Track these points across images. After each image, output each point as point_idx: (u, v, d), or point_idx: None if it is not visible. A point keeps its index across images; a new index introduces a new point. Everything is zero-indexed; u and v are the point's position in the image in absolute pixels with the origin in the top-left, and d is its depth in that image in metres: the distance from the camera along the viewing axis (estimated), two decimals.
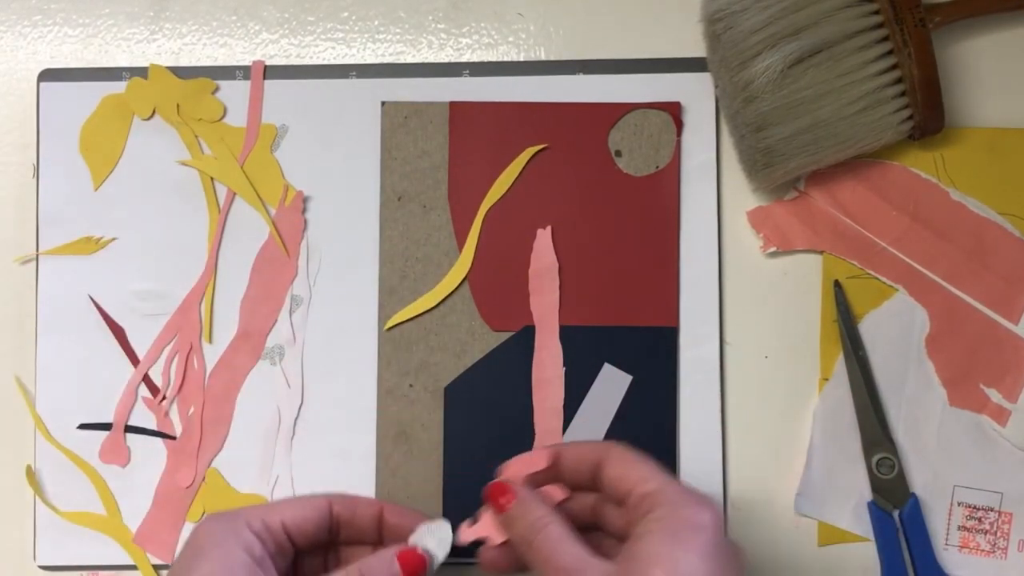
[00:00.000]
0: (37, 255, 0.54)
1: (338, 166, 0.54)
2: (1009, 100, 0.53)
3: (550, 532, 0.41)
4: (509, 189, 0.53)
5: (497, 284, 0.53)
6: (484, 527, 0.45)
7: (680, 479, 0.44)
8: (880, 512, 0.51)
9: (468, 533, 0.45)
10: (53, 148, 0.54)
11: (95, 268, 0.54)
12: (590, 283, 0.53)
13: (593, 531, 0.44)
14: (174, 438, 0.53)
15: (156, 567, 0.53)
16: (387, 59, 0.55)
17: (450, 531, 0.45)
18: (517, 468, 0.45)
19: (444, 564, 0.51)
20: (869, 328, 0.52)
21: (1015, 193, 0.52)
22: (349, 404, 0.53)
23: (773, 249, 0.53)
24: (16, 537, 0.53)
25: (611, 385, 0.52)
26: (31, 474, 0.53)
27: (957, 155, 0.52)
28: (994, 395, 0.51)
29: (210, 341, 0.54)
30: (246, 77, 0.54)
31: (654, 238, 0.53)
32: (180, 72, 0.54)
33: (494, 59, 0.55)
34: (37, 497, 0.53)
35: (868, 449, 0.51)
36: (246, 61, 0.55)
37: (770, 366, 0.53)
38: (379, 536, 0.46)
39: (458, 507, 0.52)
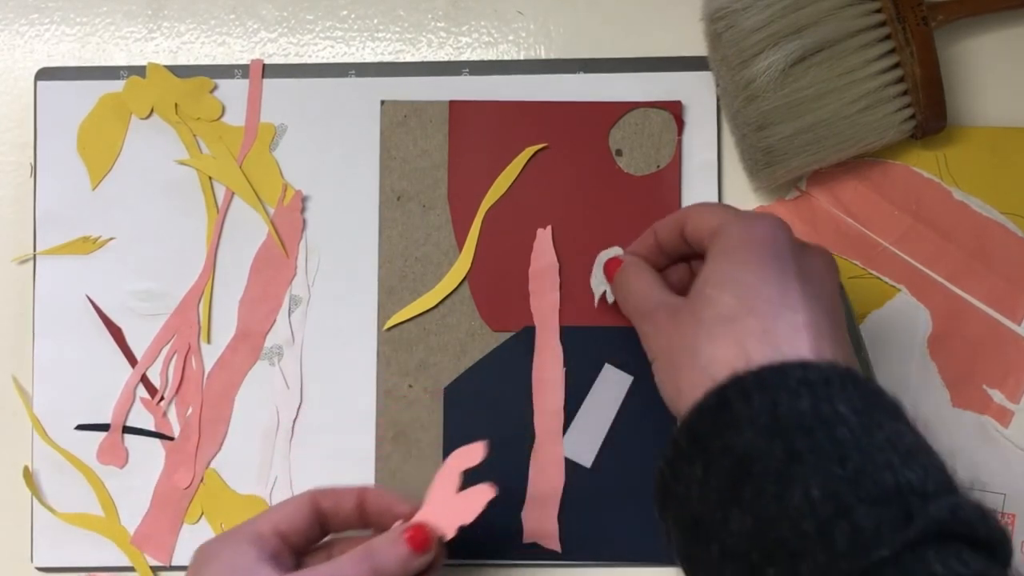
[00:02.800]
0: (34, 255, 0.54)
1: (337, 165, 0.54)
2: (1012, 99, 0.53)
3: (641, 283, 0.44)
4: (509, 188, 0.53)
5: (497, 284, 0.53)
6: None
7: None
8: None
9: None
10: (50, 147, 0.54)
11: (93, 268, 0.54)
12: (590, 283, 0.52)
13: None
14: (172, 439, 0.53)
15: (154, 568, 0.53)
16: (386, 58, 0.55)
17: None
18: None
19: (446, 565, 0.51)
20: (871, 328, 0.52)
21: (1018, 193, 0.52)
22: (348, 405, 0.53)
23: None
24: (13, 538, 0.53)
25: (612, 386, 0.52)
26: (28, 475, 0.53)
27: (959, 154, 0.52)
28: (997, 396, 0.51)
29: (208, 341, 0.53)
30: (245, 76, 0.54)
31: None
32: (178, 71, 0.54)
33: (494, 58, 0.54)
34: (34, 498, 0.53)
35: None
36: (245, 60, 0.55)
37: None
38: (364, 522, 0.46)
39: None
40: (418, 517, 0.44)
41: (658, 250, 0.46)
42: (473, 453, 0.45)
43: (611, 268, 0.47)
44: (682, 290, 0.43)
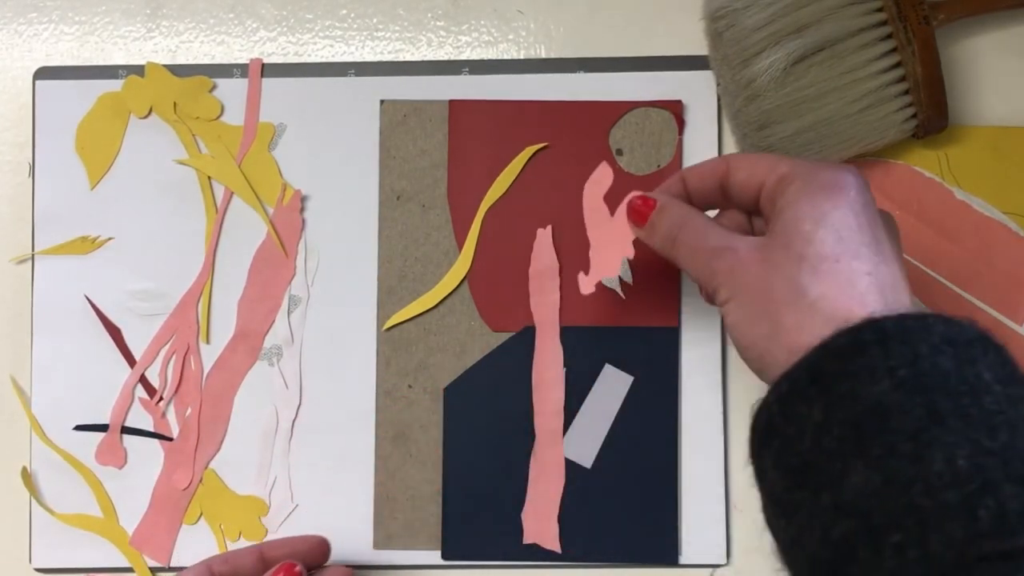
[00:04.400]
0: (33, 255, 0.54)
1: (337, 165, 0.53)
2: (1014, 98, 0.53)
3: (695, 222, 0.41)
4: (509, 188, 0.53)
5: (497, 284, 0.53)
6: (598, 271, 0.47)
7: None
8: None
9: (588, 281, 0.48)
10: (49, 147, 0.54)
11: (91, 268, 0.54)
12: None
13: None
14: (171, 439, 0.53)
15: (153, 569, 0.53)
16: (386, 57, 0.55)
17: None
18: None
19: (446, 566, 0.51)
20: None
21: (1019, 192, 0.52)
22: (347, 405, 0.53)
23: None
24: (11, 539, 0.53)
25: (612, 386, 0.52)
26: (27, 476, 0.53)
27: (961, 154, 0.52)
28: None
29: (207, 341, 0.53)
30: (244, 75, 0.54)
31: None
32: (177, 70, 0.54)
33: (494, 57, 0.54)
34: (33, 499, 0.53)
35: None
36: (244, 59, 0.55)
37: None
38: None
39: (458, 508, 0.52)
40: (594, 262, 0.47)
41: (686, 199, 0.43)
42: (604, 175, 0.47)
43: (641, 209, 0.43)
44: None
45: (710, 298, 0.41)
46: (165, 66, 0.54)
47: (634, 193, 0.44)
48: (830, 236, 0.36)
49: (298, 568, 0.45)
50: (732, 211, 0.44)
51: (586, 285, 0.50)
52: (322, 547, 0.48)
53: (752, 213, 0.43)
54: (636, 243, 0.45)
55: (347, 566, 0.48)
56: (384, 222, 0.53)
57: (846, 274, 0.36)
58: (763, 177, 0.40)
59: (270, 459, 0.53)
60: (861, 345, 0.34)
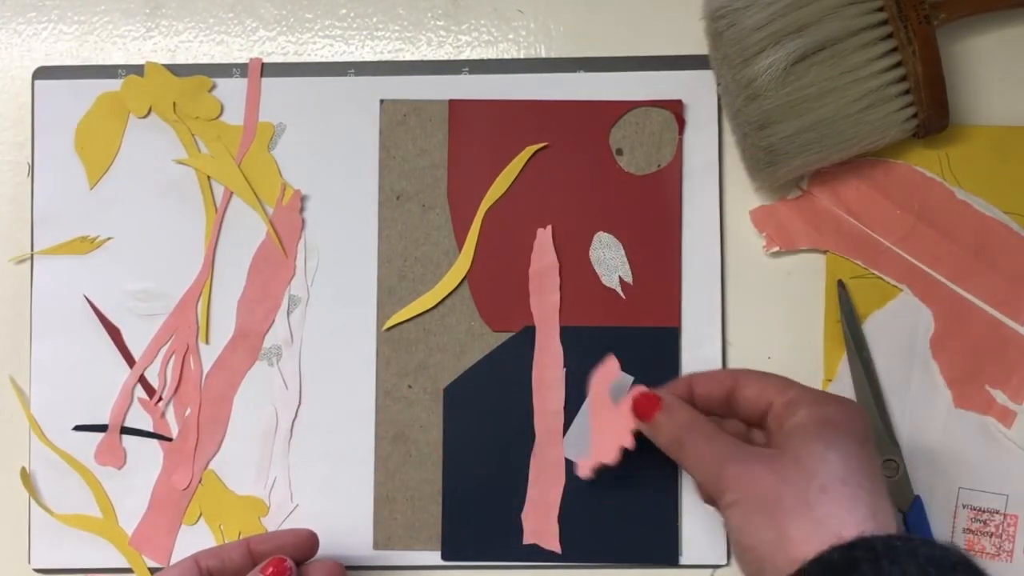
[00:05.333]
0: (32, 255, 0.54)
1: (336, 165, 0.53)
2: (1015, 98, 0.52)
3: (704, 427, 0.44)
4: (509, 188, 0.53)
5: (497, 284, 0.52)
6: (597, 455, 0.48)
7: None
8: None
9: (586, 466, 0.49)
10: (48, 147, 0.54)
11: (90, 268, 0.53)
12: (591, 283, 0.52)
13: None
14: (170, 440, 0.53)
15: (152, 570, 0.53)
16: (386, 57, 0.55)
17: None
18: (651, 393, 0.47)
19: (447, 567, 0.51)
20: (873, 328, 0.52)
21: (1021, 192, 0.52)
22: (347, 405, 0.52)
23: (776, 249, 0.52)
24: (11, 540, 0.53)
25: (612, 386, 0.52)
26: (26, 476, 0.53)
27: (962, 153, 0.52)
28: (1000, 396, 0.51)
29: (207, 342, 0.53)
30: (243, 75, 0.54)
31: (656, 237, 0.52)
32: (176, 70, 0.54)
33: (494, 56, 0.54)
34: (32, 499, 0.53)
35: None
36: (243, 59, 0.55)
37: (773, 367, 0.52)
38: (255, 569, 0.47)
39: (458, 508, 0.52)
40: (593, 445, 0.48)
41: (690, 402, 0.46)
42: (611, 367, 0.49)
43: (645, 407, 0.46)
44: None
45: (710, 499, 0.44)
46: (164, 66, 0.54)
47: (639, 388, 0.46)
48: (839, 460, 0.40)
49: (288, 563, 0.45)
50: (733, 420, 0.47)
51: (583, 469, 0.49)
52: (310, 540, 0.48)
53: (753, 425, 0.46)
54: (636, 432, 0.47)
55: (337, 562, 0.48)
56: (384, 222, 0.53)
57: (851, 497, 0.39)
58: (772, 398, 0.44)
59: (269, 459, 0.53)
60: (853, 562, 0.36)
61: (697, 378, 0.47)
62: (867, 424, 0.42)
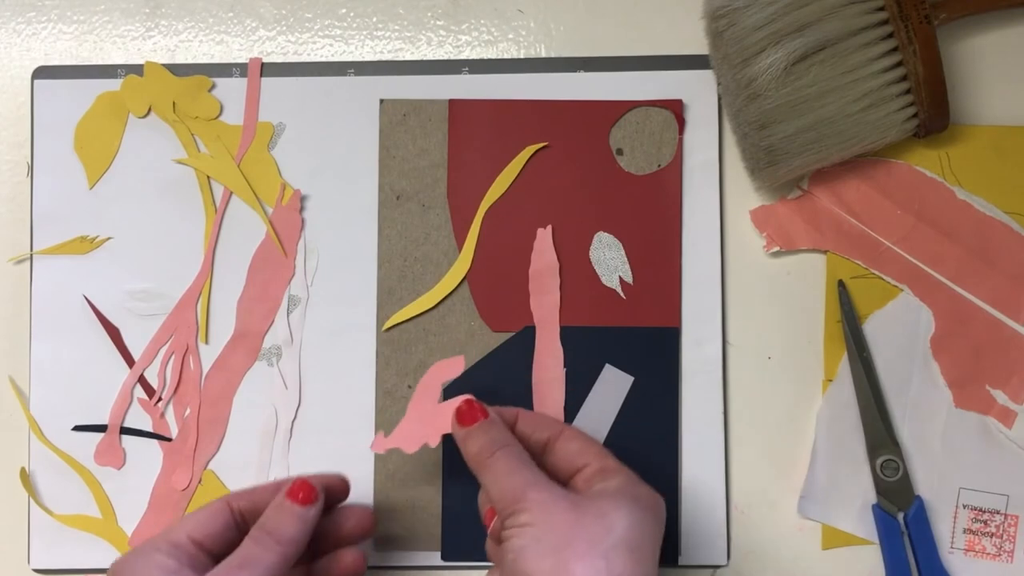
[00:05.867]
0: (31, 255, 0.54)
1: (336, 164, 0.53)
2: (1015, 97, 0.52)
3: (517, 451, 0.44)
4: (509, 188, 0.53)
5: (497, 284, 0.52)
6: (398, 438, 0.48)
7: None
8: (884, 515, 0.50)
9: (382, 443, 0.48)
10: (47, 146, 0.54)
11: (90, 268, 0.53)
12: (591, 283, 0.52)
13: None
14: (170, 440, 0.53)
15: None
16: (385, 56, 0.55)
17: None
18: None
19: (447, 567, 0.51)
20: (873, 328, 0.52)
21: (1021, 192, 0.52)
22: (347, 405, 0.52)
23: (776, 249, 0.52)
24: (10, 540, 0.53)
25: (612, 386, 0.52)
26: (25, 476, 0.53)
27: (963, 153, 0.52)
28: (1000, 396, 0.51)
29: (206, 342, 0.53)
30: (243, 75, 0.54)
31: (656, 237, 0.52)
32: (176, 69, 0.54)
33: (494, 56, 0.54)
34: (31, 500, 0.53)
35: (872, 451, 0.51)
36: (243, 58, 0.54)
37: (773, 367, 0.52)
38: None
39: (458, 509, 0.51)
40: (399, 428, 0.48)
41: (510, 434, 0.46)
42: (453, 366, 0.48)
43: (468, 415, 0.45)
44: None
45: (498, 515, 0.43)
46: (164, 65, 0.54)
47: (468, 397, 0.46)
48: (638, 532, 0.41)
49: (313, 484, 0.45)
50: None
51: (377, 445, 0.49)
52: (343, 484, 0.48)
53: (557, 479, 0.45)
54: (447, 437, 0.47)
55: (368, 508, 0.48)
56: (384, 222, 0.53)
57: (638, 563, 0.40)
58: (591, 460, 0.44)
59: (269, 459, 0.53)
60: None
61: (524, 415, 0.47)
62: (663, 523, 0.43)
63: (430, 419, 0.47)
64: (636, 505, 0.42)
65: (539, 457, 0.45)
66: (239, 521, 0.46)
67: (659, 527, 0.42)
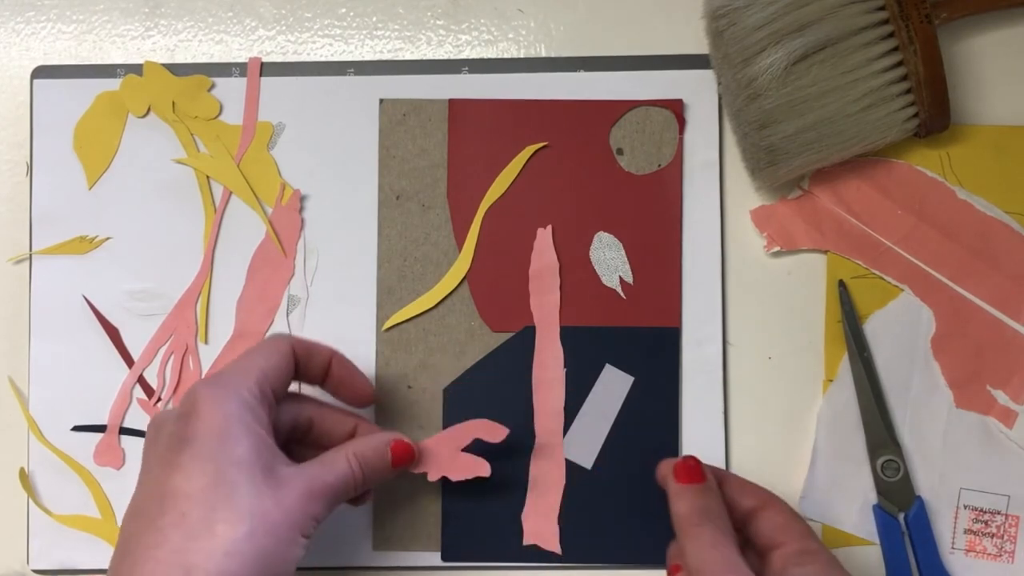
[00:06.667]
0: (30, 255, 0.54)
1: (336, 164, 0.53)
2: (1016, 97, 0.52)
3: (726, 525, 0.43)
4: (509, 188, 0.53)
5: (497, 284, 0.52)
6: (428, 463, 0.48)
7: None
8: (885, 515, 0.50)
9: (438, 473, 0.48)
10: (46, 146, 0.54)
11: (89, 268, 0.53)
12: (591, 283, 0.52)
13: None
14: None
15: None
16: (385, 56, 0.54)
17: None
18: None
19: (446, 567, 0.51)
20: (874, 328, 0.51)
21: (1022, 192, 0.52)
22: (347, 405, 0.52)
23: (777, 249, 0.52)
24: (9, 541, 0.53)
25: (613, 386, 0.52)
26: (24, 477, 0.53)
27: (963, 153, 0.52)
28: (1001, 396, 0.51)
29: (206, 342, 0.53)
30: (242, 74, 0.54)
31: (656, 237, 0.52)
32: (175, 69, 0.54)
33: (494, 56, 0.54)
34: (30, 500, 0.53)
35: (873, 451, 0.51)
36: (242, 58, 0.54)
37: (774, 367, 0.52)
38: (324, 384, 0.48)
39: (458, 509, 0.51)
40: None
41: (722, 504, 0.45)
42: (495, 431, 0.48)
43: (690, 473, 0.45)
44: None
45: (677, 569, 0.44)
46: (163, 65, 0.54)
47: (692, 456, 0.46)
48: None
49: (415, 454, 0.47)
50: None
51: (434, 475, 0.49)
52: (370, 390, 0.48)
53: (752, 546, 0.45)
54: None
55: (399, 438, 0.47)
56: (384, 222, 0.53)
57: None
58: (792, 537, 0.43)
59: None
60: None
61: (733, 480, 0.46)
62: None
63: (446, 461, 0.48)
64: None
65: (742, 523, 0.45)
66: (296, 368, 0.46)
67: None
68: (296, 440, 0.47)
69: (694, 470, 0.45)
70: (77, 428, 0.53)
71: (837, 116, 0.48)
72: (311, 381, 0.48)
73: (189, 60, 0.55)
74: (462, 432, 0.48)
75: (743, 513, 0.45)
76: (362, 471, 0.44)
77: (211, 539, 0.39)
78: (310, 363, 0.46)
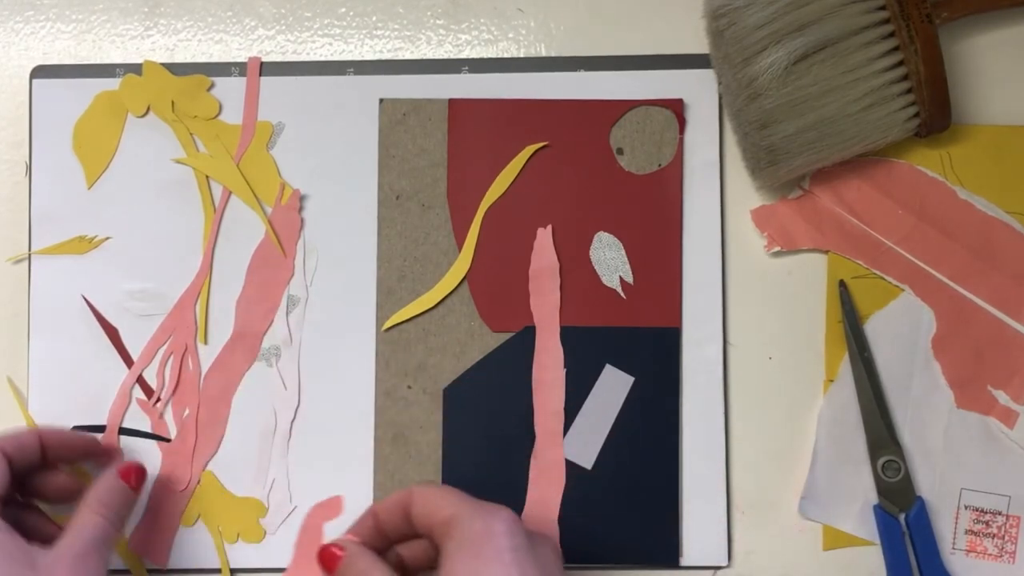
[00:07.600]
0: (30, 254, 0.54)
1: (335, 164, 0.53)
2: (1017, 97, 0.52)
3: (361, 563, 0.44)
4: (509, 188, 0.53)
5: (497, 284, 0.52)
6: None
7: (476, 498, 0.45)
8: (886, 515, 0.50)
9: None
10: (46, 146, 0.54)
11: (89, 268, 0.53)
12: (591, 283, 0.52)
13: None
14: (169, 440, 0.53)
15: (151, 571, 0.52)
16: (385, 55, 0.54)
17: None
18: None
19: None
20: (875, 328, 0.51)
21: (1022, 192, 0.52)
22: (346, 406, 0.52)
23: (777, 249, 0.52)
24: None
25: (613, 386, 0.51)
26: None
27: (964, 153, 0.52)
28: (1002, 397, 0.51)
29: (205, 342, 0.53)
30: (242, 74, 0.54)
31: (656, 237, 0.52)
32: (175, 69, 0.54)
33: (494, 55, 0.54)
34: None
35: (874, 451, 0.50)
36: (242, 58, 0.54)
37: (774, 367, 0.52)
38: (44, 459, 0.49)
39: None
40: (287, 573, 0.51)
41: (379, 533, 0.46)
42: (332, 507, 0.50)
43: (329, 560, 0.44)
44: (418, 567, 0.46)
45: None
46: (163, 65, 0.54)
47: (322, 544, 0.45)
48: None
49: (132, 462, 0.50)
50: (412, 543, 0.46)
51: None
52: (91, 439, 0.51)
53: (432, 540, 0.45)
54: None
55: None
56: (383, 222, 0.53)
57: None
58: (434, 517, 0.43)
59: (268, 460, 0.52)
60: None
61: (380, 506, 0.46)
62: (510, 532, 0.42)
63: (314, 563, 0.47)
64: (468, 557, 0.41)
65: (412, 532, 0.45)
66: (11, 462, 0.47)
67: (498, 555, 0.41)
68: (35, 489, 0.49)
69: (331, 554, 0.44)
70: (76, 428, 0.53)
71: (838, 116, 0.48)
72: (36, 467, 0.49)
73: (188, 60, 0.55)
74: (309, 530, 0.51)
75: (405, 523, 0.45)
76: (112, 512, 0.47)
77: None
78: (24, 453, 0.48)
